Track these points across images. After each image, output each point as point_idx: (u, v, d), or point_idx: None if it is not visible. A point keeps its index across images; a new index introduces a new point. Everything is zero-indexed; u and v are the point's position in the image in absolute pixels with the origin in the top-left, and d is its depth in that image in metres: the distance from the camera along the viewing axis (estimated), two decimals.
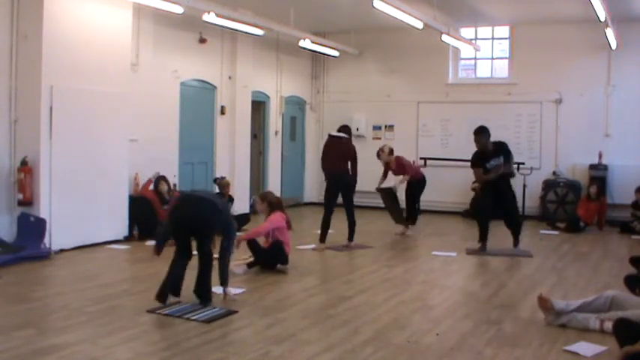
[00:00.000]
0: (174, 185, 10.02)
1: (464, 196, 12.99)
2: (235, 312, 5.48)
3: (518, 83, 13.00)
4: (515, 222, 8.94)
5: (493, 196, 8.86)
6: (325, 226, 8.92)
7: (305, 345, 4.73)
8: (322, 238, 8.91)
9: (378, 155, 10.57)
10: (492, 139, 12.89)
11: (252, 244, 7.32)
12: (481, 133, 8.90)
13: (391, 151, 10.56)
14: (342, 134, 9.09)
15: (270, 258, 7.33)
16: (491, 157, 8.77)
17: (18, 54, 7.98)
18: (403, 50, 13.73)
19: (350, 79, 14.33)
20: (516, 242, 8.90)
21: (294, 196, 14.23)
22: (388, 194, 10.28)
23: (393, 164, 10.46)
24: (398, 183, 10.36)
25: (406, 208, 10.59)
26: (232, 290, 6.04)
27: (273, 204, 7.54)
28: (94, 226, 8.58)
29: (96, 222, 8.60)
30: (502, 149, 8.88)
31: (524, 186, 11.85)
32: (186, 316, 5.33)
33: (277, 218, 7.42)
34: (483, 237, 8.84)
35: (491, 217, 8.99)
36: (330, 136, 9.19)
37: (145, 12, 9.71)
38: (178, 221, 5.77)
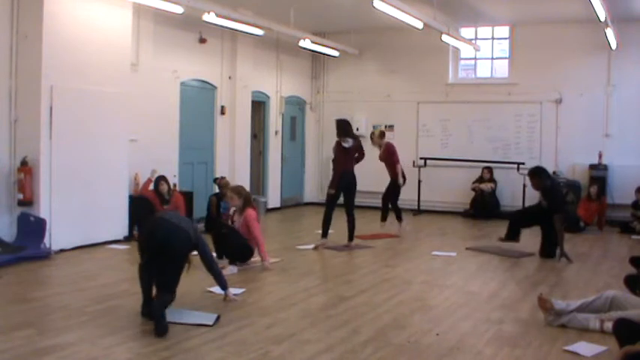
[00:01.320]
0: (175, 185, 10.02)
1: (464, 196, 13.01)
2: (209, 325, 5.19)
3: (518, 83, 13.00)
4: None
5: (537, 214, 8.64)
6: (327, 221, 8.89)
7: (305, 345, 4.72)
8: (324, 233, 8.90)
9: (371, 139, 10.53)
10: (492, 139, 13.17)
11: (218, 237, 7.45)
12: (534, 175, 8.69)
13: (382, 134, 10.44)
14: (351, 140, 9.02)
15: (234, 251, 7.35)
16: (543, 195, 8.63)
17: (18, 54, 7.98)
18: (403, 50, 13.73)
19: (350, 79, 14.33)
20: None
21: (294, 196, 14.23)
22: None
23: (383, 148, 10.30)
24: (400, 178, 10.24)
25: (392, 206, 10.48)
26: (232, 290, 6.04)
27: (247, 200, 7.58)
28: (94, 226, 8.58)
29: (96, 222, 8.60)
30: (548, 195, 8.55)
31: (524, 186, 11.86)
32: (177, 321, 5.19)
33: (255, 216, 7.47)
34: (508, 237, 8.72)
35: (522, 225, 8.79)
36: (344, 146, 8.95)
37: (145, 12, 9.71)
38: (148, 245, 5.30)
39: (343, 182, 8.92)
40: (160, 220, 5.50)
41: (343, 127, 9.04)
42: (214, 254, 7.28)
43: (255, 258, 7.54)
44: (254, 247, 7.47)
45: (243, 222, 7.43)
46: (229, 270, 7.11)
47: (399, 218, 10.41)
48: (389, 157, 10.39)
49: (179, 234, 5.29)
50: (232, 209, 7.80)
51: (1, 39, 7.86)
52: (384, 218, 10.45)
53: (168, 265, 5.20)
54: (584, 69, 12.45)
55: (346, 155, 8.97)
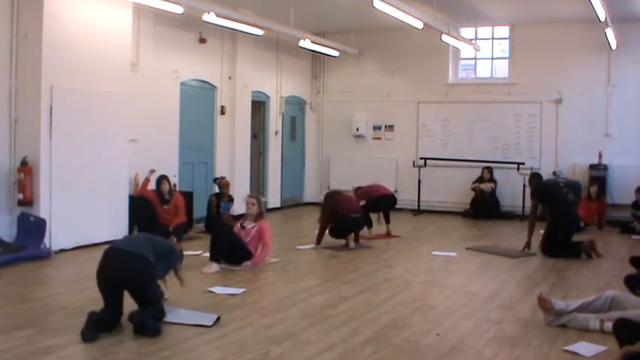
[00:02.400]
0: (175, 185, 10.01)
1: (464, 196, 13.01)
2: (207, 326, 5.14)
3: (518, 83, 13.00)
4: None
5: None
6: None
7: (305, 345, 4.72)
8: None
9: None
10: (492, 139, 13.17)
11: (216, 237, 7.46)
12: (529, 181, 9.45)
13: (356, 190, 10.29)
14: None
15: (231, 252, 7.39)
16: None
17: (18, 54, 7.98)
18: (403, 50, 13.73)
19: (350, 79, 14.32)
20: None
21: (294, 196, 14.23)
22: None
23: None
24: None
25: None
26: (232, 290, 6.01)
27: (262, 212, 7.82)
28: (94, 226, 8.57)
29: (96, 222, 8.59)
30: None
31: (524, 186, 11.85)
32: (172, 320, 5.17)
33: (270, 229, 7.69)
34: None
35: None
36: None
37: (145, 12, 9.71)
38: (104, 282, 5.02)
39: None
40: (113, 253, 5.13)
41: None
42: (208, 254, 7.41)
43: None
44: (252, 252, 7.50)
45: (256, 231, 7.56)
46: (213, 268, 7.13)
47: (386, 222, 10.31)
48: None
49: (135, 262, 5.00)
50: (241, 212, 7.90)
51: (1, 39, 7.86)
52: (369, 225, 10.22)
53: (138, 293, 5.01)
54: (584, 69, 12.44)
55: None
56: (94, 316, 4.85)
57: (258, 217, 7.68)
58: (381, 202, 10.26)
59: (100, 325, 4.83)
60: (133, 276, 4.96)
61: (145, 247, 5.15)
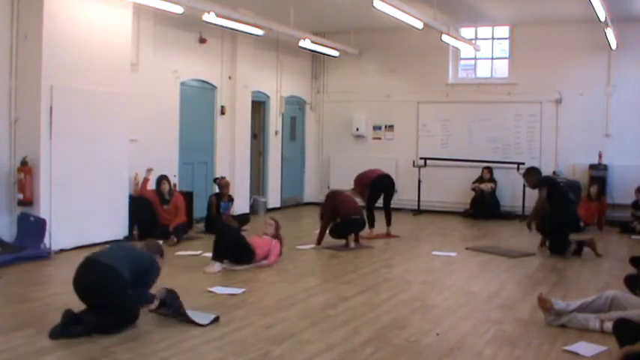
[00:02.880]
0: (175, 185, 10.01)
1: (464, 196, 13.01)
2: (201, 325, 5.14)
3: (518, 83, 13.00)
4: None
5: None
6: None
7: (305, 345, 4.73)
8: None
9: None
10: (492, 139, 13.18)
11: (219, 238, 7.49)
12: (526, 175, 9.27)
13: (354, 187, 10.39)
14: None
15: (234, 252, 7.44)
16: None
17: (18, 54, 7.98)
18: (403, 50, 13.73)
19: (350, 79, 14.33)
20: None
21: (294, 196, 14.23)
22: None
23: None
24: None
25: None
26: (231, 290, 6.01)
27: (280, 236, 8.01)
28: (94, 226, 8.57)
29: (96, 222, 8.59)
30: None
31: (524, 186, 11.83)
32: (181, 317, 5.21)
33: (279, 249, 7.81)
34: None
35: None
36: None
37: (145, 12, 9.71)
38: (76, 291, 5.03)
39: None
40: (86, 263, 5.10)
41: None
42: (207, 254, 7.43)
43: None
44: (255, 252, 7.53)
45: (270, 241, 7.78)
46: (216, 267, 7.15)
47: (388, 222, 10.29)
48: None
49: (107, 274, 4.92)
50: (267, 231, 8.06)
51: (1, 39, 7.86)
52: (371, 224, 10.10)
53: (103, 304, 4.90)
54: (584, 69, 12.44)
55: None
56: (69, 314, 4.81)
57: (274, 237, 7.91)
58: (380, 183, 10.18)
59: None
60: (98, 286, 4.91)
61: (121, 260, 5.07)
